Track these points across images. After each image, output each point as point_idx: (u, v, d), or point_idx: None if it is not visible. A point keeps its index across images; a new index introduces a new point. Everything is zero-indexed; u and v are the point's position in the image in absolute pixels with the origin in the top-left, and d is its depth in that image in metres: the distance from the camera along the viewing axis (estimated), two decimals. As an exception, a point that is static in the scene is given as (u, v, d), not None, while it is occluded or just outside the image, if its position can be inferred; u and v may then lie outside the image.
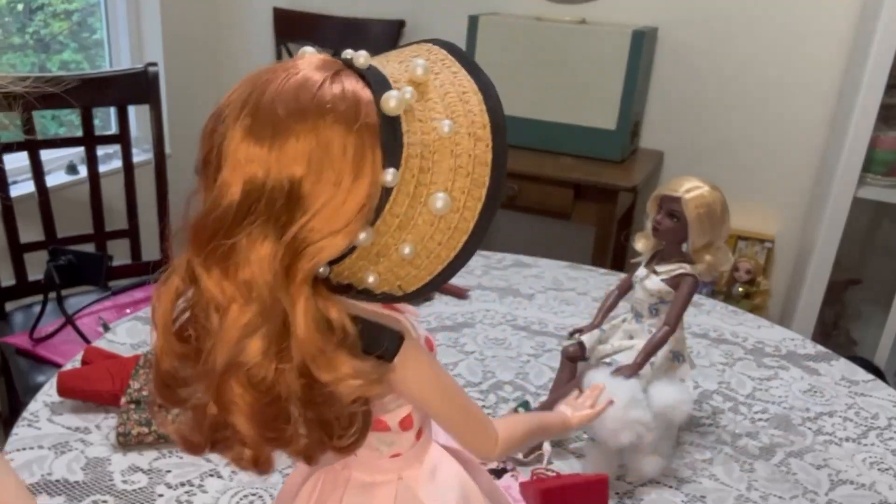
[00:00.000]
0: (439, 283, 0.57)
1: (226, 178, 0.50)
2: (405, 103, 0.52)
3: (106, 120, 2.49)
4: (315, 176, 0.50)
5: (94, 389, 1.03)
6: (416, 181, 0.53)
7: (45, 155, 1.83)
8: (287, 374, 0.52)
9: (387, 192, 0.52)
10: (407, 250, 0.54)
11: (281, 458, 0.67)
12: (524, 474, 0.96)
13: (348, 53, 0.55)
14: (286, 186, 0.50)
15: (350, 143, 0.50)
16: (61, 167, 2.28)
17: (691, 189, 0.95)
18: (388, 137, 0.51)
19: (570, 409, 0.82)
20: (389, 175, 0.51)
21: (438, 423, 0.66)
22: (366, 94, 0.52)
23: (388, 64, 0.56)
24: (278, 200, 0.50)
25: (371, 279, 0.55)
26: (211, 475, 0.94)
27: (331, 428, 0.56)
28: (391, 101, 0.51)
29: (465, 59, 0.59)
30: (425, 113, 0.54)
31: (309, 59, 0.54)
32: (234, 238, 0.50)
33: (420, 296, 0.58)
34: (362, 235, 0.52)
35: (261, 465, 0.58)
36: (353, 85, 0.52)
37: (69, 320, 1.64)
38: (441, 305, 1.44)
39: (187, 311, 0.56)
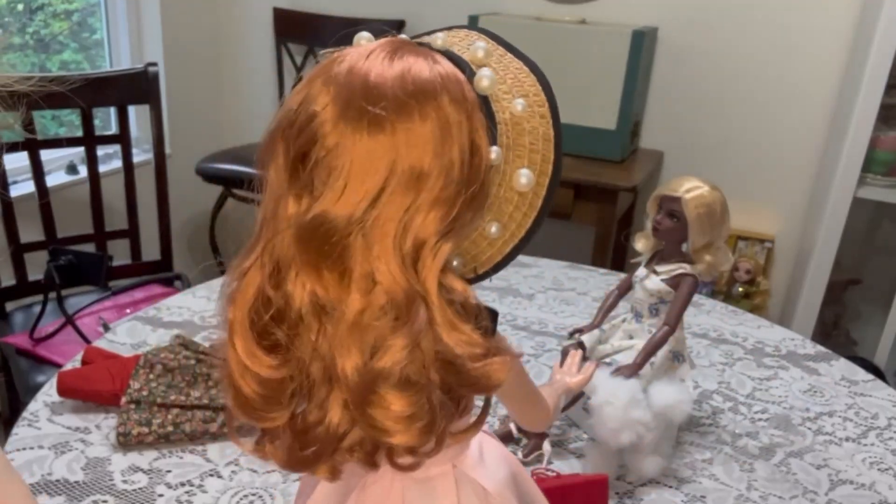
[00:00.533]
0: (507, 263, 0.56)
1: (346, 175, 0.47)
2: (495, 82, 0.52)
3: (106, 120, 2.49)
4: (438, 159, 0.48)
5: (94, 389, 1.03)
6: (504, 159, 0.53)
7: (45, 155, 1.83)
8: (430, 362, 0.49)
9: (487, 170, 0.51)
10: (494, 229, 0.54)
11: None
12: (524, 474, 0.96)
13: (404, 36, 0.54)
14: (416, 170, 0.47)
15: (464, 122, 0.49)
16: (61, 167, 2.28)
17: (691, 189, 0.95)
18: (488, 116, 0.51)
19: (567, 377, 0.85)
20: (494, 153, 0.51)
21: (513, 402, 0.66)
22: (460, 74, 0.51)
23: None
24: (405, 189, 0.47)
25: (455, 262, 0.53)
26: (211, 475, 0.94)
27: (458, 408, 0.53)
28: (484, 81, 0.52)
29: (505, 42, 0.59)
30: (498, 93, 0.54)
31: (389, 42, 0.52)
32: (350, 238, 0.48)
33: (486, 278, 0.57)
34: (469, 216, 0.50)
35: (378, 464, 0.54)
36: (449, 66, 0.51)
37: (69, 320, 1.64)
38: (441, 305, 1.43)
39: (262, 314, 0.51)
